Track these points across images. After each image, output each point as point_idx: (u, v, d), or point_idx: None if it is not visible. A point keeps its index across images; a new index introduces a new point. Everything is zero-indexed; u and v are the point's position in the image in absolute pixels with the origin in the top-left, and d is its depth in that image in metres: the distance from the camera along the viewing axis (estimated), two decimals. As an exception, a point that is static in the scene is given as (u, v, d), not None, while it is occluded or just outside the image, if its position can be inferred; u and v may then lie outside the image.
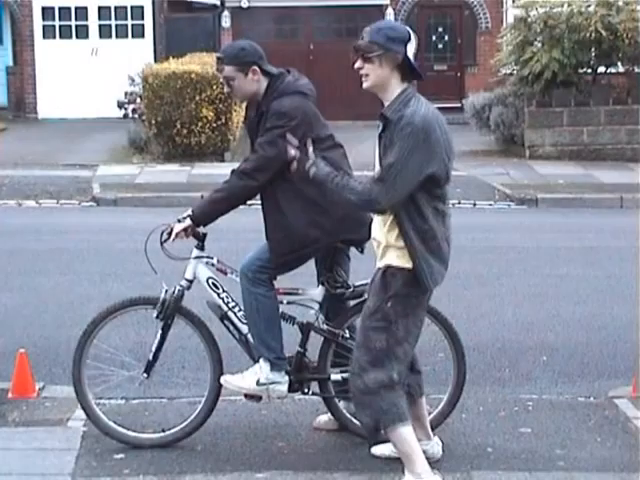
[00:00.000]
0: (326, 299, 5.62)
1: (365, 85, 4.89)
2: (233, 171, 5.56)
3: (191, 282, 5.66)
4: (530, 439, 5.80)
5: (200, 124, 17.65)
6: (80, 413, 5.89)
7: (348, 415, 5.73)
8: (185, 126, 17.68)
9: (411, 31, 4.92)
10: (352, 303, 5.70)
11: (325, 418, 5.88)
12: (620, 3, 18.30)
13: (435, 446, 5.49)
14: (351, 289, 5.60)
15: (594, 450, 5.64)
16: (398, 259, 4.89)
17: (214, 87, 17.42)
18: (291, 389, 5.63)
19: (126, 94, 20.89)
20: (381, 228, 4.97)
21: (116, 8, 24.73)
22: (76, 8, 24.68)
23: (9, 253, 10.95)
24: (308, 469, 5.35)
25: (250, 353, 5.65)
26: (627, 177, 16.57)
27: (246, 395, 5.65)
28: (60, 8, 24.71)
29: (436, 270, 4.92)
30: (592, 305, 8.96)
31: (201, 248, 5.67)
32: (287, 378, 5.58)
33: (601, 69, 19.13)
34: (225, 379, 5.61)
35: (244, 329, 5.62)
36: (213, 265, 5.70)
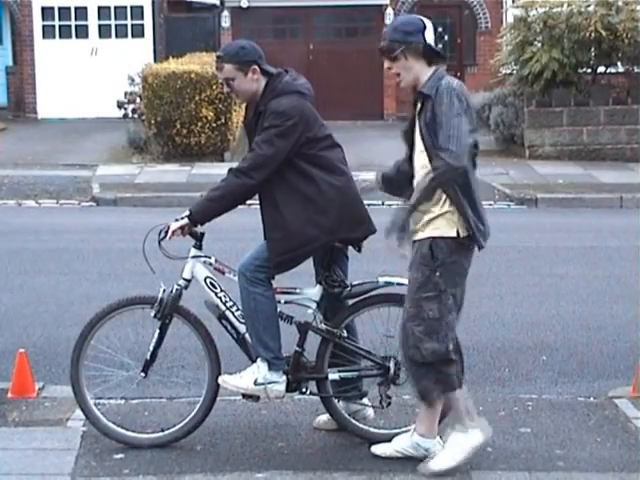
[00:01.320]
0: (324, 298, 5.62)
1: (402, 85, 5.25)
2: (230, 170, 5.56)
3: (189, 281, 5.66)
4: (530, 439, 5.80)
5: (200, 124, 17.65)
6: (80, 413, 5.89)
7: (346, 415, 5.73)
8: (185, 126, 17.68)
9: (424, 18, 5.24)
10: (350, 302, 5.70)
11: (324, 418, 5.88)
12: (620, 3, 18.30)
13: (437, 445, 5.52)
14: (349, 288, 5.60)
15: (594, 450, 5.64)
16: (440, 229, 5.15)
17: (214, 87, 17.42)
18: (289, 389, 5.62)
19: (126, 94, 20.90)
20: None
21: (116, 8, 24.73)
22: (76, 8, 24.69)
23: (9, 253, 10.96)
24: (308, 469, 5.35)
25: (248, 353, 5.64)
26: (627, 177, 16.58)
27: (244, 395, 5.65)
28: (60, 8, 24.71)
29: (485, 231, 5.24)
30: (592, 305, 8.96)
31: (199, 247, 5.67)
32: (285, 378, 5.58)
33: (601, 69, 19.14)
34: (223, 379, 5.61)
35: (242, 329, 5.62)
36: (211, 265, 5.69)
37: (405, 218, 5.10)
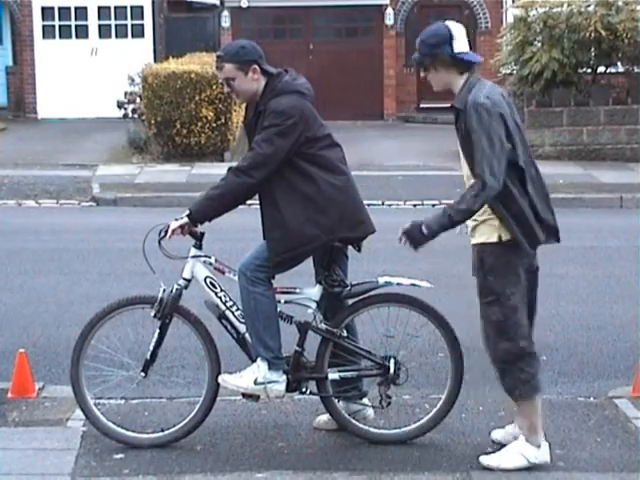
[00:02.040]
0: (324, 298, 5.62)
1: (434, 89, 5.42)
2: (230, 168, 5.56)
3: (189, 281, 5.66)
4: (530, 439, 5.79)
5: (200, 124, 17.65)
6: (80, 413, 5.89)
7: (347, 415, 5.73)
8: (185, 126, 17.68)
9: (452, 26, 5.31)
10: (350, 302, 5.70)
11: (325, 418, 5.88)
12: (620, 3, 18.28)
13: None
14: (349, 288, 5.60)
15: (594, 450, 5.64)
16: (485, 235, 5.31)
17: (214, 87, 17.42)
18: (289, 388, 5.63)
19: (126, 94, 20.89)
20: None
21: (116, 8, 24.73)
22: (76, 8, 24.68)
23: (9, 253, 10.95)
24: (308, 469, 5.35)
25: (248, 352, 5.64)
26: (627, 177, 16.57)
27: (244, 394, 5.65)
28: (60, 8, 24.71)
29: (534, 232, 5.31)
30: (592, 305, 8.96)
31: (199, 247, 5.67)
32: (285, 377, 5.58)
33: (601, 69, 19.12)
34: (223, 378, 5.61)
35: (242, 328, 5.62)
36: (211, 264, 5.70)
37: (437, 230, 5.19)
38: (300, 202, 5.47)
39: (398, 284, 5.64)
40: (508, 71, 19.73)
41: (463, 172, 5.40)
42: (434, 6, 25.71)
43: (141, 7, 24.80)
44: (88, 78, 23.95)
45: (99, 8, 24.69)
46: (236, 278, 5.58)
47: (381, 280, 5.64)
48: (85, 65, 24.36)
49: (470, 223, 5.33)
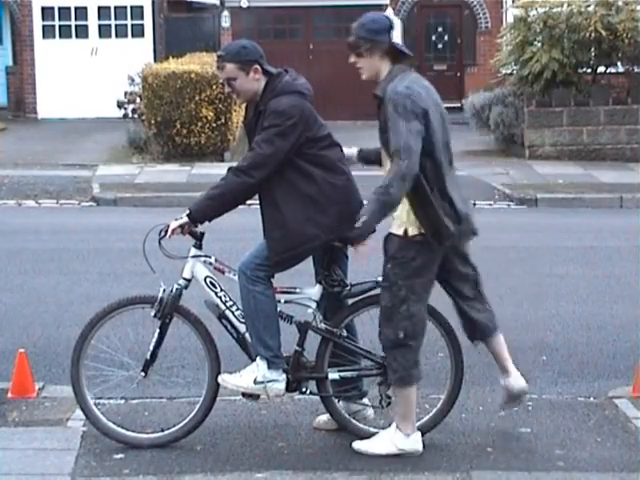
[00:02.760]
0: (324, 298, 5.62)
1: (363, 77, 5.49)
2: (230, 168, 5.56)
3: (189, 281, 5.66)
4: (530, 439, 5.80)
5: (200, 124, 17.65)
6: (80, 413, 5.89)
7: (346, 415, 5.73)
8: (185, 126, 17.68)
9: (392, 17, 5.48)
10: (350, 302, 5.70)
11: (324, 418, 5.88)
12: (620, 3, 18.30)
13: (518, 379, 5.78)
14: (349, 288, 5.61)
15: (594, 450, 5.64)
16: (393, 227, 5.43)
17: (214, 87, 17.42)
18: (289, 388, 5.63)
19: (126, 94, 20.89)
20: None
21: (116, 8, 24.72)
22: (76, 8, 24.68)
23: (9, 253, 10.95)
24: (308, 469, 5.35)
25: (248, 352, 5.64)
26: (627, 177, 16.58)
27: (244, 394, 5.65)
28: (60, 8, 24.71)
29: (456, 231, 5.39)
30: (592, 305, 8.96)
31: (199, 247, 5.66)
32: (285, 377, 5.58)
33: (601, 69, 19.13)
34: (223, 378, 5.61)
35: (242, 328, 5.62)
36: (211, 264, 5.69)
37: (374, 218, 5.25)
38: (300, 202, 5.47)
39: None
40: (508, 71, 19.75)
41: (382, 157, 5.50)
42: (434, 6, 25.70)
43: (141, 7, 24.80)
44: (88, 78, 23.95)
45: (99, 8, 24.69)
46: (236, 278, 5.58)
47: (381, 280, 5.64)
48: (85, 65, 24.36)
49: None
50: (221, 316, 5.66)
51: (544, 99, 18.40)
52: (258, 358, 5.55)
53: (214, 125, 17.72)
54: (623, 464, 5.44)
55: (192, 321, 5.67)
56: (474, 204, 14.65)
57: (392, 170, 5.20)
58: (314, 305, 5.61)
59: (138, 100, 19.81)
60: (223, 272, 5.68)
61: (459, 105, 21.94)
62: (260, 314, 5.50)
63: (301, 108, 5.48)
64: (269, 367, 5.53)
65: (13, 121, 23.99)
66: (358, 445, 5.57)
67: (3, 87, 25.59)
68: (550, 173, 16.88)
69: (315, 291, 5.63)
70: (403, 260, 5.37)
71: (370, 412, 5.84)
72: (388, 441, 5.52)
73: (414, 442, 5.52)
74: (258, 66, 5.56)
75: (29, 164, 17.84)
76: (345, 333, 5.67)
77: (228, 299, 5.65)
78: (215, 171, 16.51)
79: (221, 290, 5.66)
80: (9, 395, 6.33)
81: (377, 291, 5.64)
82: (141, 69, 19.31)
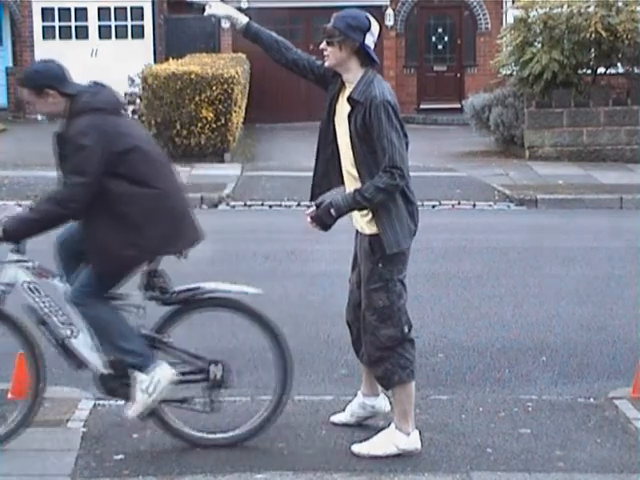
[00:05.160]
0: (149, 302, 5.53)
1: (326, 64, 5.51)
2: (50, 196, 5.45)
3: (10, 286, 5.57)
4: (530, 440, 5.80)
5: (200, 125, 17.65)
6: (80, 414, 5.89)
7: (174, 420, 5.63)
8: (185, 127, 17.68)
9: (373, 21, 5.49)
10: (174, 308, 5.59)
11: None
12: (620, 4, 18.30)
13: (382, 400, 5.80)
14: (173, 293, 5.52)
15: (594, 451, 5.64)
16: (369, 229, 5.42)
17: (214, 88, 17.44)
18: (113, 394, 5.58)
19: (126, 95, 20.88)
20: None
21: (116, 9, 24.73)
22: (76, 9, 24.69)
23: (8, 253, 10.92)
24: (308, 469, 5.35)
25: (69, 359, 5.57)
26: (627, 178, 16.57)
27: (140, 414, 5.53)
28: (60, 9, 24.71)
29: (401, 235, 5.38)
30: (592, 305, 8.96)
31: (18, 251, 5.56)
32: (161, 361, 5.48)
33: (601, 70, 19.13)
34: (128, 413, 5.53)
35: (63, 333, 5.53)
36: (31, 268, 5.59)
37: (345, 212, 5.34)
38: (115, 223, 5.30)
39: (226, 291, 5.58)
40: (508, 72, 19.75)
41: (343, 159, 5.49)
42: (434, 7, 25.71)
43: (141, 8, 24.80)
44: (88, 79, 23.91)
45: (99, 9, 24.69)
46: (59, 283, 5.51)
47: (207, 286, 5.59)
48: (85, 66, 24.35)
49: (364, 218, 5.42)
50: (40, 322, 5.57)
51: (544, 100, 18.39)
52: (135, 373, 5.46)
53: (214, 126, 17.72)
54: (623, 465, 5.44)
55: (15, 327, 5.57)
56: (474, 205, 14.71)
57: (383, 181, 5.25)
58: (137, 310, 5.51)
59: (138, 101, 19.81)
60: (44, 277, 5.59)
61: (459, 106, 21.94)
62: (111, 329, 5.43)
63: (99, 126, 5.29)
64: (145, 371, 5.45)
65: (13, 122, 23.99)
66: (358, 448, 5.56)
67: (3, 88, 25.59)
68: (550, 174, 16.87)
69: (137, 296, 5.54)
70: (395, 255, 5.40)
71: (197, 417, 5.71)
72: (388, 442, 5.52)
73: (414, 441, 5.53)
74: (52, 90, 5.43)
75: (29, 165, 17.82)
76: (170, 338, 5.57)
77: (50, 304, 5.56)
78: (215, 172, 16.57)
79: (44, 295, 5.57)
80: (9, 396, 6.32)
81: (204, 296, 5.57)
82: (141, 70, 19.31)
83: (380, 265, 5.40)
